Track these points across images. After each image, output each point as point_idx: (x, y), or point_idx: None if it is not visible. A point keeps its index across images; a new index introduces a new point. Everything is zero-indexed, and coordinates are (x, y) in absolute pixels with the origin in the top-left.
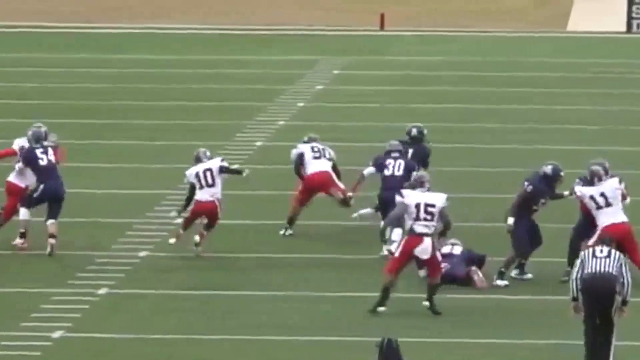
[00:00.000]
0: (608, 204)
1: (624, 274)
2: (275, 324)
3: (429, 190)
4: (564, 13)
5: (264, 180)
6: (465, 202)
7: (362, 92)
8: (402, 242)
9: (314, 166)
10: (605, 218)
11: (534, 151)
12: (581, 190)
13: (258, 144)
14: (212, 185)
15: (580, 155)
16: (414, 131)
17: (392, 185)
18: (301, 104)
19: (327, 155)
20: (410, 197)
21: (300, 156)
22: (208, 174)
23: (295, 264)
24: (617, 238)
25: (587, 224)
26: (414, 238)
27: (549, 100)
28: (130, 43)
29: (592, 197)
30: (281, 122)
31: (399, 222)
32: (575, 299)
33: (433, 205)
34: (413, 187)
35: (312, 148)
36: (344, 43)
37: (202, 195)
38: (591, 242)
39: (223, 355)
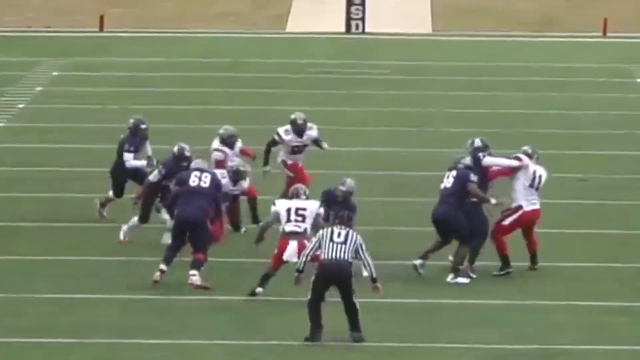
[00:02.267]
0: None
1: (362, 256)
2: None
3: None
4: (282, 14)
5: None
6: None
7: (83, 93)
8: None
9: None
10: None
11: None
12: None
13: None
14: None
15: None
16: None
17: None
18: (21, 106)
19: None
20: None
21: None
22: None
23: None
24: None
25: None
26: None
27: (269, 101)
28: None
29: None
30: (1, 124)
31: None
32: (300, 271)
33: (304, 209)
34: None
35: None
36: (64, 44)
37: None
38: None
39: None
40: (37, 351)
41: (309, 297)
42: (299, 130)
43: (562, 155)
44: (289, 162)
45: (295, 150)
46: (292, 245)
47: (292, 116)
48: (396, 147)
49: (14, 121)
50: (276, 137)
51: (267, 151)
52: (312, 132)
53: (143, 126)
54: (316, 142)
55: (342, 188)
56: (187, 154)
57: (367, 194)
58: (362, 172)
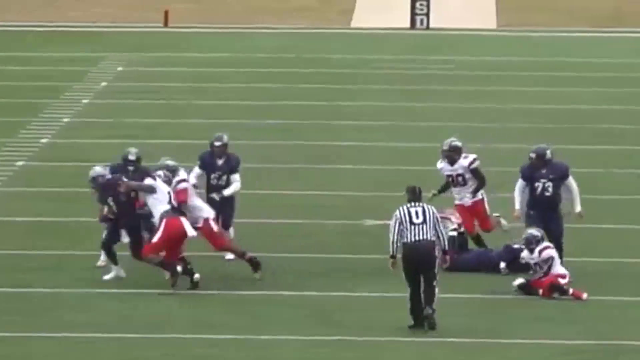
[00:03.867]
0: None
1: (439, 230)
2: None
3: None
4: (348, 10)
5: (50, 177)
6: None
7: (147, 88)
8: None
9: None
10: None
11: (323, 147)
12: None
13: (43, 140)
14: None
15: (369, 150)
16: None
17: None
18: (86, 101)
19: None
20: None
21: None
22: None
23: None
24: None
25: None
26: None
27: (335, 97)
28: None
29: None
30: (66, 119)
31: None
32: (393, 257)
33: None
34: None
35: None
36: (128, 40)
37: None
38: None
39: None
40: (113, 345)
41: (408, 290)
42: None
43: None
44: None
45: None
46: (184, 220)
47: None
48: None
49: (78, 116)
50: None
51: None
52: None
53: (217, 143)
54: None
55: (217, 143)
56: (131, 157)
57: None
58: (429, 168)
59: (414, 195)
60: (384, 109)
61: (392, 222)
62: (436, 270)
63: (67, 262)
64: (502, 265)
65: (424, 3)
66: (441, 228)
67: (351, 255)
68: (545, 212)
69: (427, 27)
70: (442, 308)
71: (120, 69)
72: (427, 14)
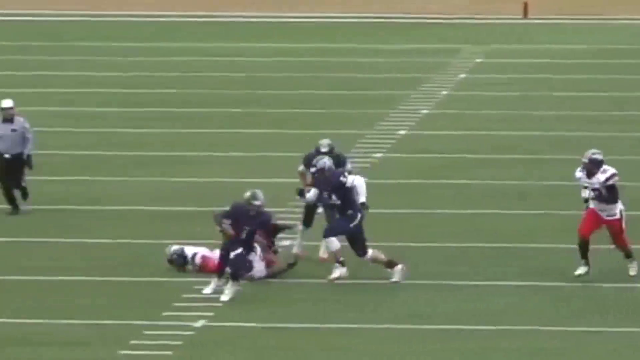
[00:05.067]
0: None
1: None
2: None
3: None
4: None
5: (407, 169)
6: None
7: (505, 80)
8: None
9: None
10: None
11: None
12: None
13: (401, 132)
14: None
15: None
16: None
17: None
18: (444, 92)
19: None
20: None
21: None
22: None
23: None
24: None
25: None
26: None
27: None
28: (267, 32)
29: None
30: (425, 111)
31: None
32: None
33: None
34: None
35: None
36: (487, 31)
37: None
38: None
39: None
40: (416, 337)
41: None
42: None
43: None
44: None
45: None
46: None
47: None
48: None
49: (437, 108)
50: None
51: None
52: None
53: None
54: None
55: (256, 202)
56: (324, 149)
57: None
58: None
59: None
60: None
61: None
62: None
63: (409, 253)
64: None
65: None
66: None
67: None
68: None
69: None
70: None
71: (479, 60)
72: None
